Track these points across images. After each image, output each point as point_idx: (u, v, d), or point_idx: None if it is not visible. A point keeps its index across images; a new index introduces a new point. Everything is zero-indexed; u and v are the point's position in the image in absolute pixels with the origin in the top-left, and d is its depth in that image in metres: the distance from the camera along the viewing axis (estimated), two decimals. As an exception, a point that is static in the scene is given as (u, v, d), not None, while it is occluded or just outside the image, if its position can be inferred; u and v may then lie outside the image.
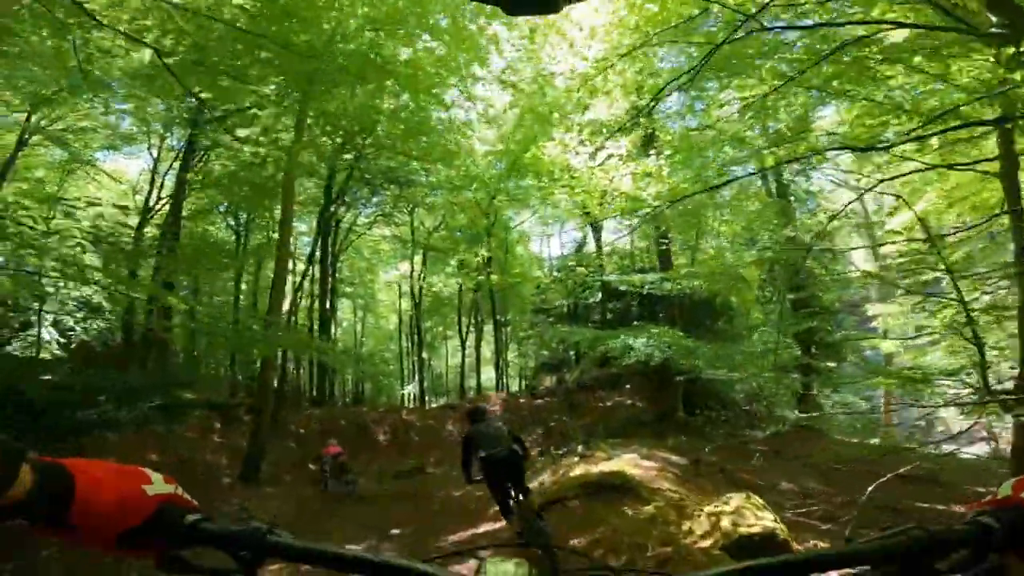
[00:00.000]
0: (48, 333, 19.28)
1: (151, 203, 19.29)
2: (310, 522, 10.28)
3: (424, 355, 30.67)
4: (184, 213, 19.23)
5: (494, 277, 26.55)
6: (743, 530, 5.42)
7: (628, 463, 9.10)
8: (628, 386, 20.15)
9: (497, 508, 6.08)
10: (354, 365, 36.79)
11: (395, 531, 9.09)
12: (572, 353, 27.96)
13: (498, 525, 8.30)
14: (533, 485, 9.46)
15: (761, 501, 5.98)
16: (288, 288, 21.88)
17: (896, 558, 0.62)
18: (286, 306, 21.73)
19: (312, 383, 25.65)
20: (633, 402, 19.15)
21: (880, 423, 15.70)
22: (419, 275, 29.77)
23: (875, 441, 14.85)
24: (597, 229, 25.72)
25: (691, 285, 15.75)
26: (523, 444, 5.92)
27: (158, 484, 0.66)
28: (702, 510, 5.98)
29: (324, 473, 13.83)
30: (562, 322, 25.34)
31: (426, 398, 29.19)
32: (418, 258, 29.95)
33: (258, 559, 0.62)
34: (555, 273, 30.27)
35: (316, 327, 24.00)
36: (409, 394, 29.48)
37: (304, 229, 27.79)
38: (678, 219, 16.69)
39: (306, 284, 26.14)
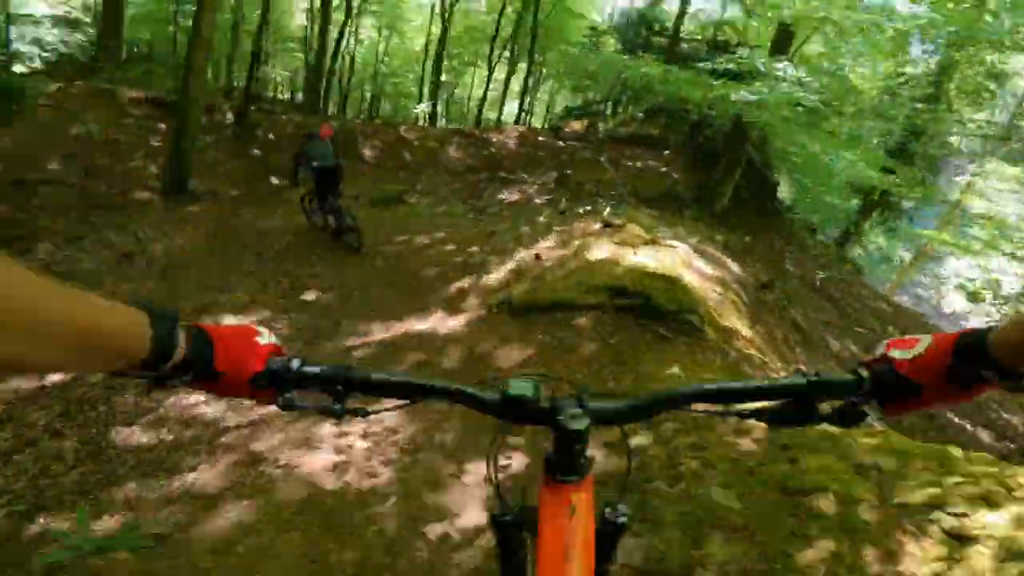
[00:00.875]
0: (27, 48, 18.89)
1: None
2: (200, 259, 6.69)
3: (444, 77, 25.04)
4: None
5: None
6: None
7: (678, 258, 5.05)
8: (667, 152, 15.27)
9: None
10: (371, 80, 31.64)
11: (308, 296, 5.42)
12: (608, 104, 22.40)
13: (453, 322, 4.61)
14: (524, 254, 5.65)
15: None
16: None
17: (789, 395, 0.66)
18: None
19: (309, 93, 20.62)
20: (669, 171, 14.49)
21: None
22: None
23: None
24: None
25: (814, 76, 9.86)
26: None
27: (265, 336, 0.68)
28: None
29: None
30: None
31: (439, 122, 24.55)
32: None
33: (347, 393, 0.68)
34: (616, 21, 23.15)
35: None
36: (422, 114, 24.55)
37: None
38: None
39: None
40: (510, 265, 5.24)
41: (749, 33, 18.22)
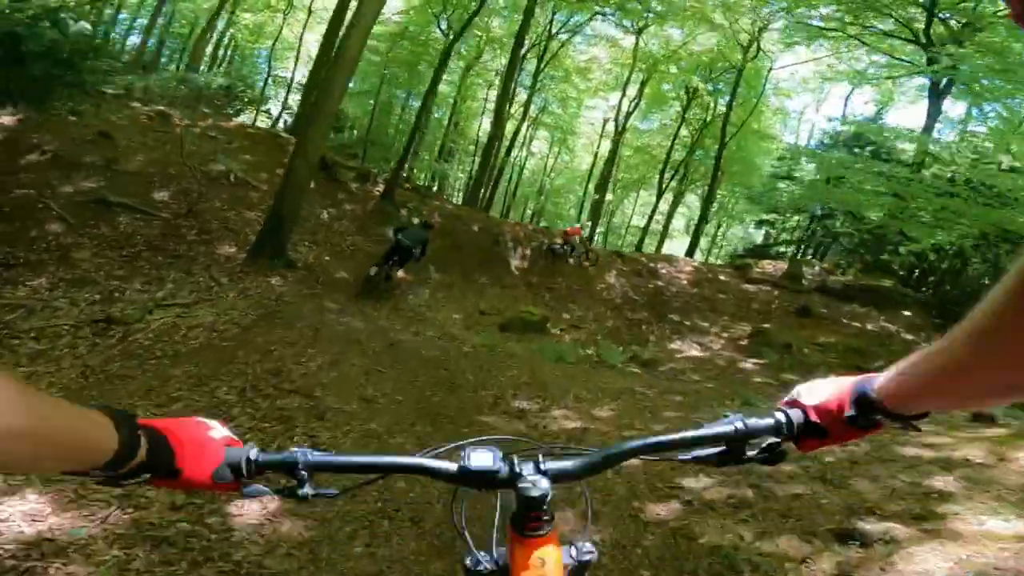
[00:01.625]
0: (276, 110, 20.92)
1: None
2: (188, 356, 3.60)
3: (608, 196, 22.59)
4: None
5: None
6: None
7: None
8: (907, 313, 10.56)
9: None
10: (535, 196, 30.64)
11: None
12: (804, 244, 18.17)
13: None
14: None
15: None
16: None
17: (722, 442, 0.67)
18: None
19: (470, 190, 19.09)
20: (916, 338, 9.71)
21: None
22: (631, 105, 20.96)
23: None
24: (937, 94, 14.07)
25: None
26: (424, 249, 7.95)
27: (217, 429, 0.64)
28: None
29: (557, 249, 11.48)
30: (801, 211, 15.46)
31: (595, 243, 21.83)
32: (633, 89, 21.01)
33: (310, 476, 0.63)
34: (825, 140, 19.55)
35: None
36: (581, 236, 21.93)
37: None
38: None
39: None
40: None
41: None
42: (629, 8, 17.07)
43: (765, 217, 19.75)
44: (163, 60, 22.31)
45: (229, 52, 26.92)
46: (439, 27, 18.69)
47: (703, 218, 17.73)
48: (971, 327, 0.42)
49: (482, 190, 18.47)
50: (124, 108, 9.40)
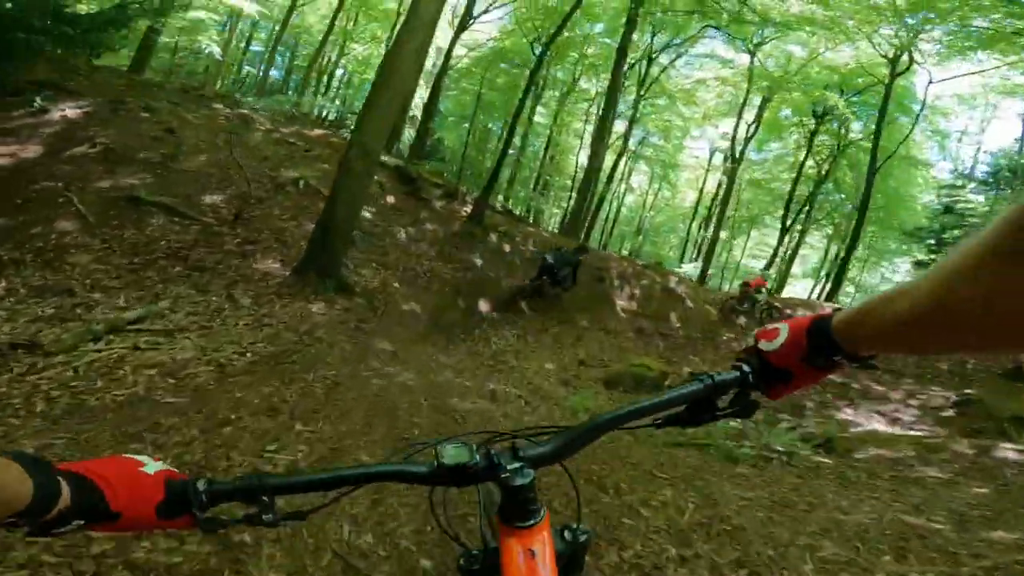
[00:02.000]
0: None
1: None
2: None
3: (722, 234, 19.89)
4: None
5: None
6: None
7: None
8: None
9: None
10: (632, 236, 28.36)
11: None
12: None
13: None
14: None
15: None
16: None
17: (692, 401, 0.65)
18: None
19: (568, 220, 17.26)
20: None
21: None
22: (748, 131, 18.45)
23: None
24: None
25: None
26: (574, 275, 8.39)
27: (149, 464, 0.56)
28: None
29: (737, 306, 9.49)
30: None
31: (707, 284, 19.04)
32: (749, 115, 18.58)
33: (272, 500, 0.57)
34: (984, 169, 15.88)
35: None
36: (688, 276, 19.24)
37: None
38: None
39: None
40: None
41: None
42: (744, 19, 14.62)
43: (922, 258, 16.17)
44: (288, 92, 23.22)
45: (341, 84, 27.92)
46: (534, 52, 17.55)
47: (847, 259, 14.57)
48: (939, 275, 0.40)
49: (579, 227, 16.56)
50: (203, 108, 8.68)
